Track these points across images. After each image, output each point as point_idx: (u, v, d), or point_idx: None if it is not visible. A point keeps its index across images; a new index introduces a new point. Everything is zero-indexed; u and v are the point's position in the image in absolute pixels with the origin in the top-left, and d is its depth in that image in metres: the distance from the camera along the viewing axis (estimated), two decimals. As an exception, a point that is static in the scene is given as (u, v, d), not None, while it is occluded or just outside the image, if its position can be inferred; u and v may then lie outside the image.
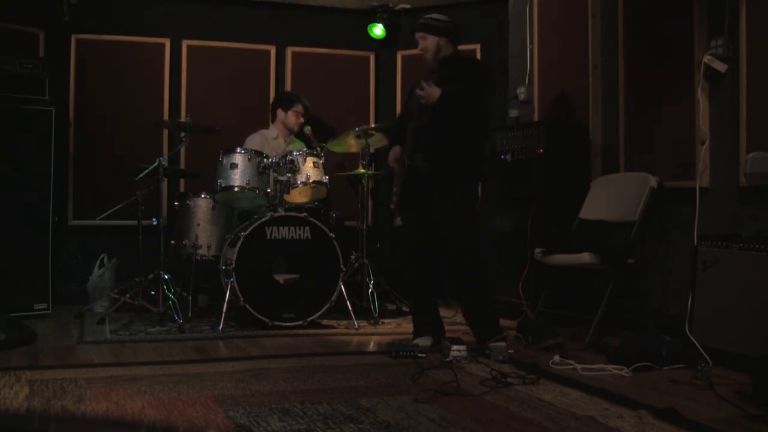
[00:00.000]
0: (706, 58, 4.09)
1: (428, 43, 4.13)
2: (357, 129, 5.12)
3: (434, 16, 4.20)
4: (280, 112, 5.58)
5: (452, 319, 4.73)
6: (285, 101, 5.61)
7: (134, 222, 5.03)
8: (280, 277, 4.62)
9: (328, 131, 5.95)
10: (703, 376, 3.27)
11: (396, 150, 4.27)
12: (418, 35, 4.17)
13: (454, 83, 3.98)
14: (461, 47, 6.21)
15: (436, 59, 4.13)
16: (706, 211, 4.09)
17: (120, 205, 5.09)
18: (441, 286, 4.28)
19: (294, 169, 4.78)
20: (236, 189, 4.73)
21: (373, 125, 5.37)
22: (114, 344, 4.09)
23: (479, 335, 4.04)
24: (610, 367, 3.52)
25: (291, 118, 5.55)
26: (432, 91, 3.94)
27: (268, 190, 4.79)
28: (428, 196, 4.04)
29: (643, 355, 3.54)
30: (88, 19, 5.79)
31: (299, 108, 5.56)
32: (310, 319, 4.62)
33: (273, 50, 6.30)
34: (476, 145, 4.15)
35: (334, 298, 4.67)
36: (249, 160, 4.75)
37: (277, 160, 4.81)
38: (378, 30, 6.43)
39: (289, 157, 4.79)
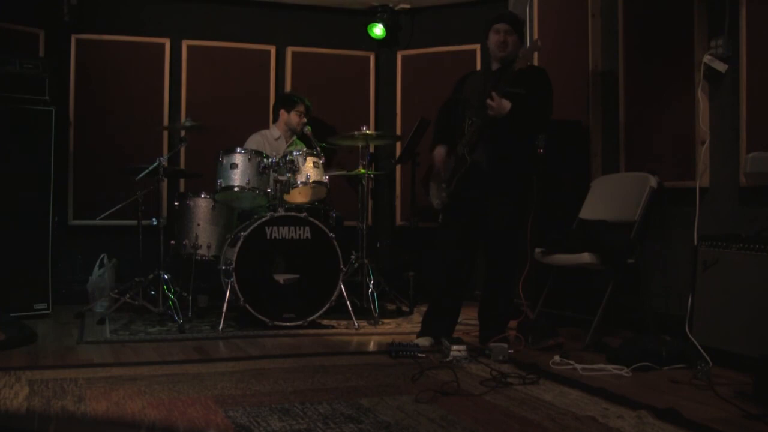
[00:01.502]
0: (706, 58, 4.09)
1: (512, 40, 4.02)
2: (357, 133, 5.11)
3: (514, 12, 4.10)
4: (282, 113, 5.58)
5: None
6: (287, 102, 5.61)
7: (134, 222, 5.03)
8: (280, 277, 4.62)
9: (328, 131, 5.96)
10: (703, 376, 3.27)
11: (441, 150, 4.15)
12: (505, 28, 4.01)
13: (527, 88, 3.89)
14: (461, 47, 6.34)
15: (507, 57, 4.01)
16: (706, 211, 4.09)
17: (120, 205, 5.09)
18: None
19: (294, 169, 4.78)
20: (236, 189, 4.73)
21: (374, 131, 5.37)
22: (114, 344, 4.09)
23: (485, 334, 4.03)
24: (610, 367, 3.52)
25: (294, 118, 5.55)
26: (503, 105, 3.83)
27: (268, 190, 4.78)
28: (488, 193, 4.00)
29: (643, 355, 3.54)
30: (88, 19, 5.80)
31: (302, 108, 5.56)
32: (310, 319, 4.62)
33: (273, 50, 6.31)
34: (534, 144, 4.17)
35: (334, 298, 4.67)
36: (249, 160, 4.75)
37: (277, 160, 4.81)
38: (378, 30, 6.43)
39: (289, 157, 4.79)
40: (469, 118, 4.04)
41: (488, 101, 3.86)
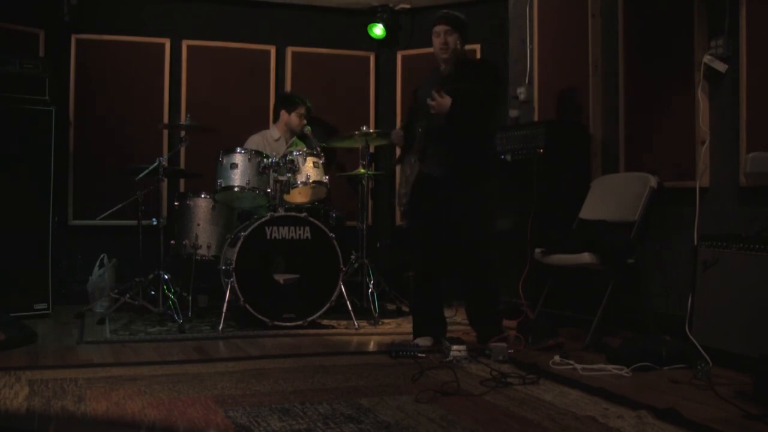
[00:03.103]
0: (706, 58, 4.09)
1: (453, 39, 4.01)
2: (357, 132, 5.11)
3: (454, 12, 4.10)
4: (283, 114, 5.58)
5: (452, 319, 4.73)
6: (288, 103, 5.60)
7: (134, 222, 5.03)
8: (280, 277, 4.62)
9: (328, 131, 5.96)
10: (703, 376, 3.27)
11: (398, 130, 4.29)
12: (444, 29, 4.01)
13: (469, 82, 3.88)
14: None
15: (452, 57, 4.03)
16: (706, 211, 4.09)
17: (120, 205, 5.09)
18: (445, 286, 4.25)
19: (294, 169, 4.78)
20: (236, 189, 4.73)
21: (374, 130, 5.37)
22: (114, 344, 4.09)
23: (481, 335, 4.04)
24: (610, 367, 3.52)
25: (294, 119, 5.55)
26: (444, 102, 3.82)
27: (268, 190, 4.79)
28: (445, 199, 3.99)
29: (643, 355, 3.54)
30: (88, 19, 5.80)
31: (302, 110, 5.56)
32: (310, 319, 4.62)
33: (273, 50, 6.31)
34: (489, 144, 4.15)
35: (334, 298, 4.67)
36: (249, 160, 4.75)
37: (277, 160, 4.81)
38: (378, 30, 6.44)
39: (289, 157, 4.79)
40: (419, 124, 4.07)
41: (428, 100, 3.84)
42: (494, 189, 4.24)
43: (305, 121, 5.56)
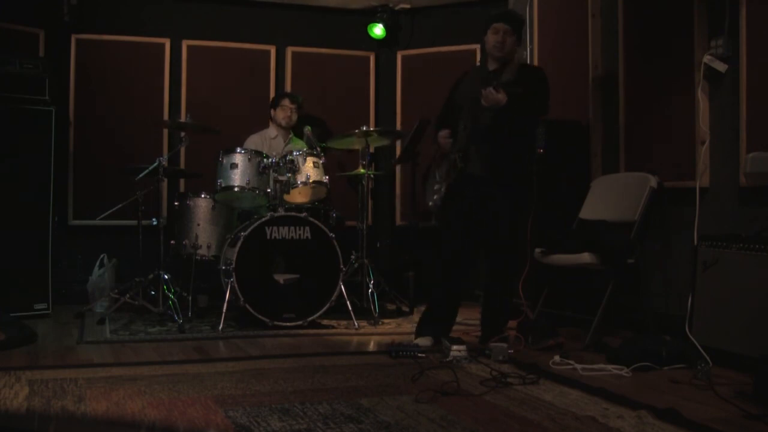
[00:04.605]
0: (706, 58, 4.09)
1: (511, 40, 3.96)
2: (357, 131, 5.11)
3: (516, 13, 4.04)
4: (271, 111, 5.66)
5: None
6: (273, 99, 5.72)
7: (134, 222, 5.03)
8: (280, 277, 4.62)
9: (328, 131, 5.96)
10: (703, 376, 3.27)
11: (445, 132, 4.06)
12: (504, 28, 3.94)
13: (520, 86, 3.82)
14: (461, 47, 6.34)
15: (503, 57, 3.98)
16: (706, 211, 4.09)
17: (120, 205, 5.09)
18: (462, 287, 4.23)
19: (294, 169, 4.78)
20: (236, 189, 4.73)
21: (374, 128, 5.37)
22: (114, 344, 4.09)
23: (487, 334, 4.03)
24: (610, 367, 3.52)
25: (278, 114, 5.60)
26: (499, 97, 3.73)
27: (268, 190, 4.79)
28: (484, 200, 3.97)
29: (643, 355, 3.54)
30: (88, 19, 5.80)
31: (285, 102, 5.59)
32: (310, 319, 4.62)
33: (273, 50, 6.31)
34: (532, 149, 4.15)
35: (334, 298, 4.67)
36: (249, 160, 4.76)
37: (277, 160, 4.81)
38: (378, 30, 6.44)
39: (289, 157, 4.79)
40: (462, 122, 4.01)
41: (483, 90, 3.77)
42: (532, 194, 4.23)
43: (290, 114, 5.57)
